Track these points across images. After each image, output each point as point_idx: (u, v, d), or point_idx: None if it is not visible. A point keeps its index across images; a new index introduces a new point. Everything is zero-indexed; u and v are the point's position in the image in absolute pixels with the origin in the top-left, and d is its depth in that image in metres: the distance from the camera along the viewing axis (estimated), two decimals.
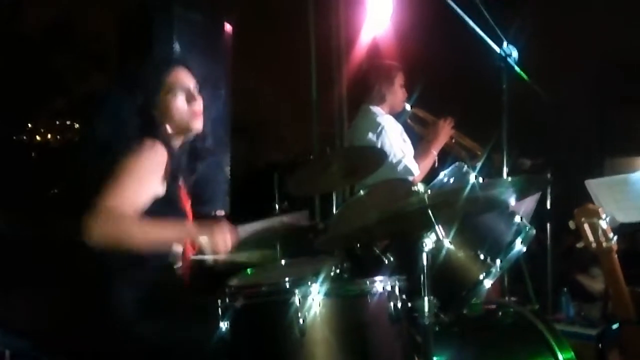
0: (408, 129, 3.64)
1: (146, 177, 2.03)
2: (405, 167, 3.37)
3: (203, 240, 2.06)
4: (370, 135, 3.41)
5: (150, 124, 2.14)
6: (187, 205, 2.25)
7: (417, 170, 3.42)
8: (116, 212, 1.90)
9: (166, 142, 2.14)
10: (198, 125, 2.24)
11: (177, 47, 3.28)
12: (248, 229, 2.34)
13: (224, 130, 3.74)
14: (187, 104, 2.20)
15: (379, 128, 3.41)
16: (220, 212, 3.69)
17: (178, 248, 2.17)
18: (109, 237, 1.87)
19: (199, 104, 2.23)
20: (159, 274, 2.07)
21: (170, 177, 2.11)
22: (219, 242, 2.02)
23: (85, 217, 1.87)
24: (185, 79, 2.23)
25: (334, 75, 5.07)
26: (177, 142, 2.23)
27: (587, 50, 5.58)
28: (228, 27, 3.74)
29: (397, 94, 3.59)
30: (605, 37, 5.42)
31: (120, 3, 4.09)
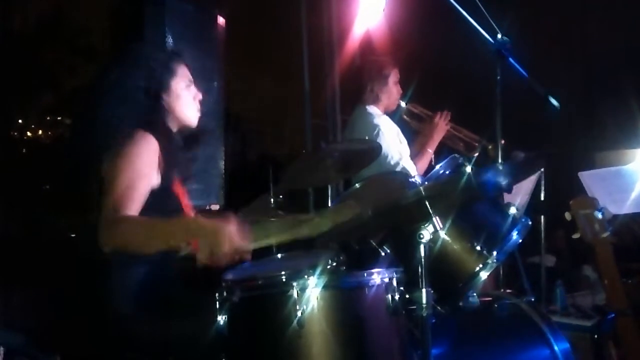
0: (404, 125, 3.59)
1: (144, 171, 2.00)
2: (404, 169, 3.32)
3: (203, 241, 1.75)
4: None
5: (157, 107, 2.13)
6: (184, 198, 2.23)
7: (414, 172, 3.38)
8: (122, 218, 1.86)
9: (163, 131, 2.12)
10: (196, 121, 2.24)
11: (169, 39, 3.25)
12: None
13: (217, 123, 3.72)
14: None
15: (376, 130, 3.33)
16: (215, 206, 3.68)
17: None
18: (119, 245, 1.84)
19: (199, 101, 2.24)
20: (156, 269, 2.05)
21: (165, 167, 2.09)
22: (223, 242, 1.72)
23: (96, 227, 1.84)
24: (188, 74, 2.24)
25: (327, 68, 5.05)
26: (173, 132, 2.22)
27: (576, 44, 5.60)
28: (221, 20, 3.71)
29: (392, 92, 3.49)
30: (594, 31, 5.44)
31: None
